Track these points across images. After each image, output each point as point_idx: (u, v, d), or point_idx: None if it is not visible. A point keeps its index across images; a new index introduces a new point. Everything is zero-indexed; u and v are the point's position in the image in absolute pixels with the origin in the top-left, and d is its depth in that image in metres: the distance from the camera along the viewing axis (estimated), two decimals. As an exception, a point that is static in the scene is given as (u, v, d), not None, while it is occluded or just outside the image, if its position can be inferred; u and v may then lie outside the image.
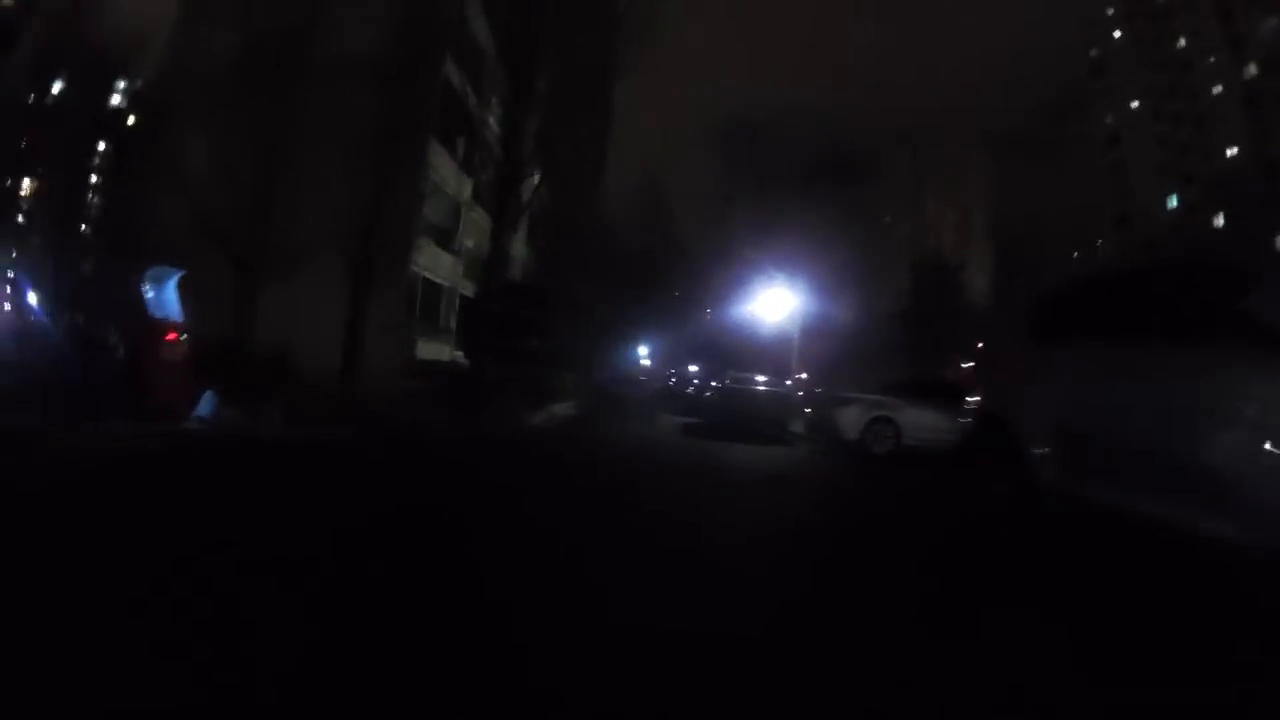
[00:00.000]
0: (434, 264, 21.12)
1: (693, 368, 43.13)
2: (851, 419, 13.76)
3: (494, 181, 18.69)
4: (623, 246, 45.24)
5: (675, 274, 51.99)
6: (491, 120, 19.13)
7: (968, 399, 15.08)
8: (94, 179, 47.90)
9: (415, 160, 19.73)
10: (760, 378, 18.88)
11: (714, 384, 19.75)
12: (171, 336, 10.66)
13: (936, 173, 69.23)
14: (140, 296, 10.49)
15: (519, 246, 31.23)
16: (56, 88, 50.87)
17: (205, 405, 10.50)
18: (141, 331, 10.46)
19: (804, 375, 24.18)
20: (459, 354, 21.22)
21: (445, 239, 21.74)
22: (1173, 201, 53.97)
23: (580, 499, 6.88)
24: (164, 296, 10.92)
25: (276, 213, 18.16)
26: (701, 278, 50.65)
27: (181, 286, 11.38)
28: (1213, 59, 53.13)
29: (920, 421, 13.70)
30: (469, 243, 24.69)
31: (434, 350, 20.27)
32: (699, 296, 48.72)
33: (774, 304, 29.87)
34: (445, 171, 21.57)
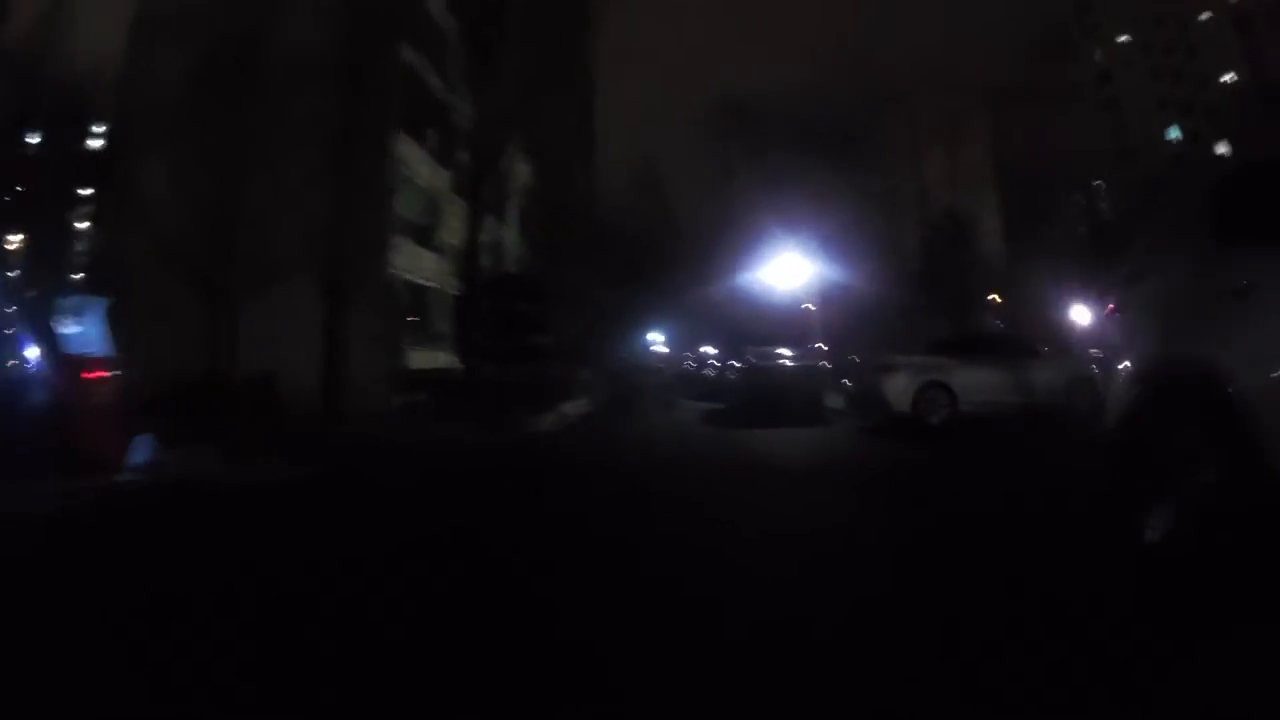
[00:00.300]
0: (415, 264, 19.43)
1: (708, 349, 41.41)
2: (900, 387, 11.90)
3: (469, 165, 17.00)
4: (622, 230, 43.53)
5: (679, 254, 50.22)
6: (461, 104, 17.45)
7: (1034, 352, 13.37)
8: (79, 225, 47.41)
9: (380, 155, 18.11)
10: (784, 351, 17.13)
11: (734, 364, 18.00)
12: (96, 375, 9.05)
13: (934, 129, 67.06)
14: (52, 333, 8.98)
15: (511, 237, 29.51)
16: (34, 138, 50.19)
17: (141, 451, 8.88)
18: (61, 372, 8.98)
19: (823, 345, 22.40)
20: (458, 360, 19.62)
21: (424, 236, 20.01)
22: (1174, 132, 52.97)
23: (580, 547, 4.92)
24: (87, 330, 9.30)
25: (244, 231, 16.94)
26: (707, 255, 48.78)
27: (113, 316, 9.74)
28: None
29: (978, 384, 11.92)
30: (453, 239, 22.99)
31: (428, 358, 18.64)
32: (707, 274, 46.82)
33: (786, 271, 28.03)
34: (416, 164, 19.85)
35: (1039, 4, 65.41)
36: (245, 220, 16.84)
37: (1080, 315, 42.81)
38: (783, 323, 31.84)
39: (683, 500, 6.55)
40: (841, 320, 33.34)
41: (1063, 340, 20.81)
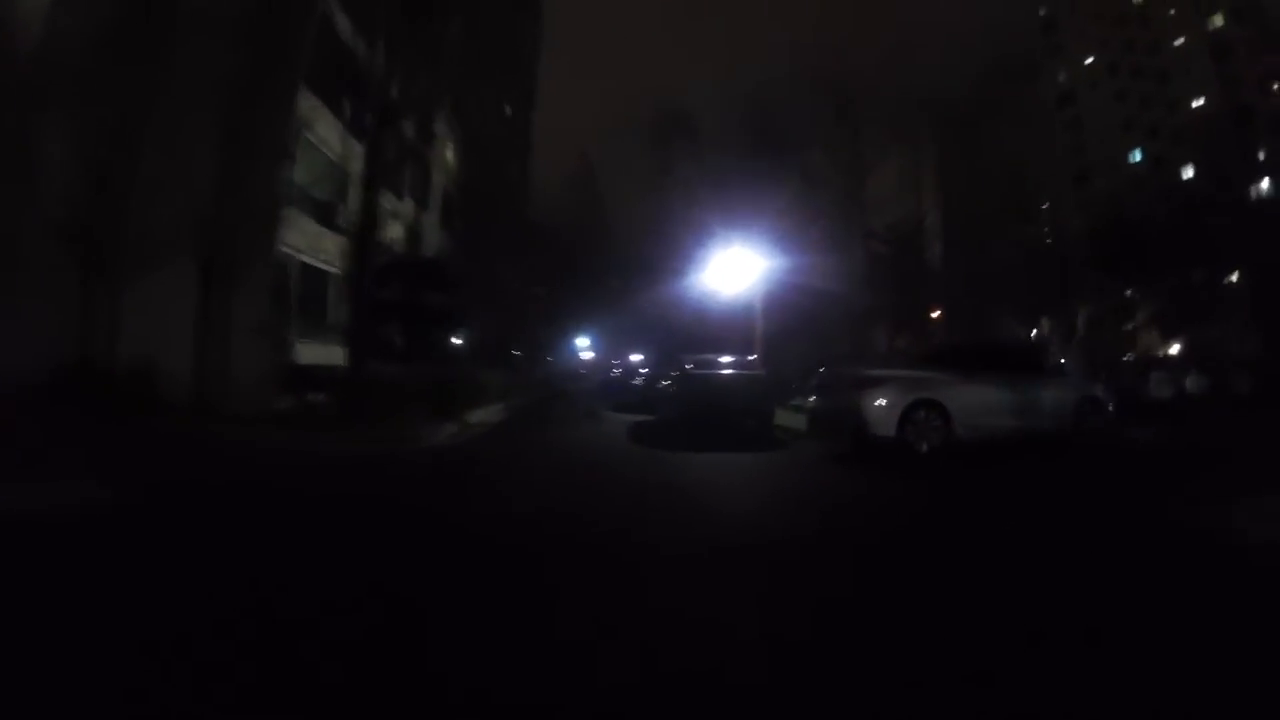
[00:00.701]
0: (314, 245, 16.79)
1: (636, 357, 39.64)
2: (884, 406, 10.01)
3: (372, 121, 14.70)
4: (554, 229, 41.50)
5: (613, 257, 48.39)
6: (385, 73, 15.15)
7: (1037, 367, 11.85)
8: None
9: (280, 113, 15.67)
10: (725, 359, 15.35)
11: (670, 373, 16.11)
12: None
13: (882, 142, 67.32)
14: None
15: (432, 225, 27.10)
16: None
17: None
18: None
19: (758, 354, 20.61)
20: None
21: (329, 215, 17.45)
22: (1137, 155, 53.03)
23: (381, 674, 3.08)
24: None
25: (133, 201, 14.62)
26: (642, 258, 47.09)
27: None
28: (1173, 11, 53.22)
29: (976, 403, 10.23)
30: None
31: (321, 353, 16.12)
32: (641, 279, 45.17)
33: (729, 272, 26.38)
34: (326, 132, 17.30)
35: (995, 24, 66.07)
36: (136, 189, 14.61)
37: (1017, 337, 42.96)
38: (724, 328, 30.25)
39: (588, 575, 4.54)
40: (786, 326, 31.91)
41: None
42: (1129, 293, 41.26)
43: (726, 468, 9.59)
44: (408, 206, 24.54)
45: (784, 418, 14.84)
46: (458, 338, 24.76)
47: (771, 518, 6.62)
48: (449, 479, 8.81)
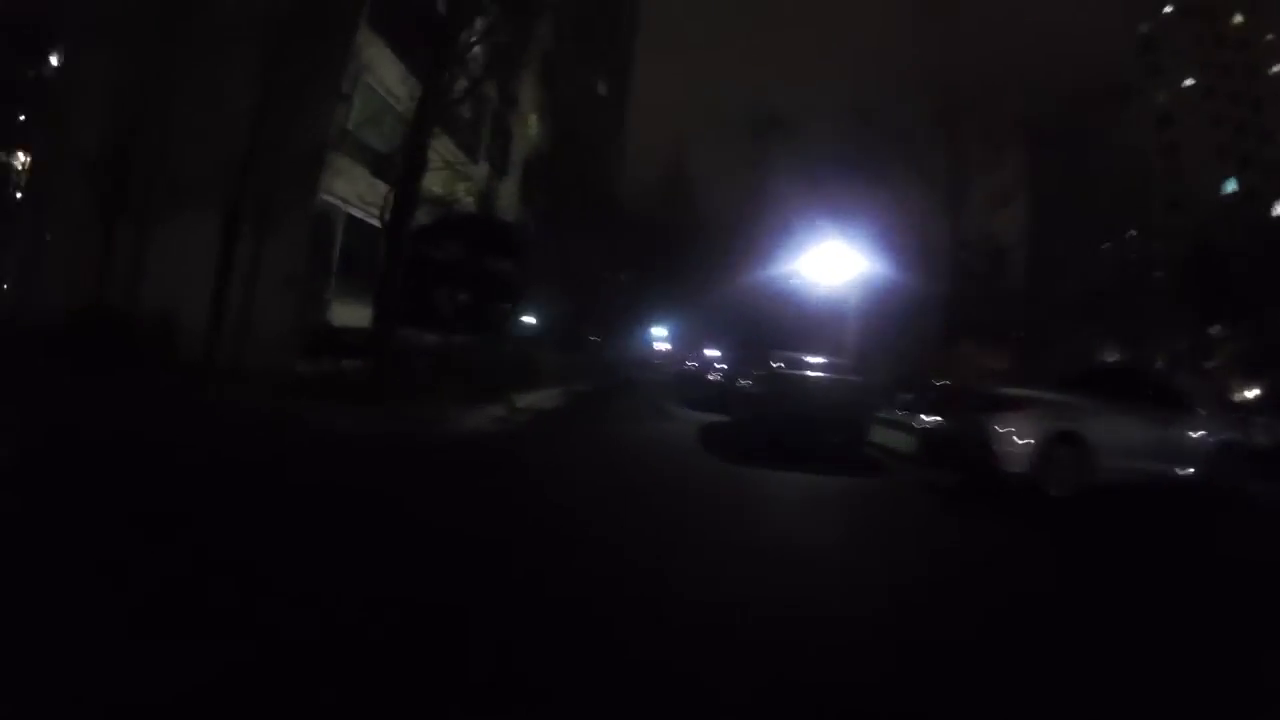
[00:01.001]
0: (365, 197, 14.80)
1: (711, 352, 37.30)
2: (1020, 437, 7.57)
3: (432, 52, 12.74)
4: (642, 215, 39.40)
5: (700, 247, 45.83)
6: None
7: (1180, 402, 9.35)
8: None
9: (339, 55, 13.99)
10: (817, 360, 13.00)
11: (755, 372, 13.72)
12: None
13: (973, 157, 63.24)
14: None
15: (509, 194, 25.27)
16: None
17: None
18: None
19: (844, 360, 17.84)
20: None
21: (385, 167, 15.57)
22: (1230, 185, 49.56)
23: None
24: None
25: (164, 137, 13.53)
26: (731, 250, 44.42)
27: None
28: (1270, 36, 50.41)
29: (1123, 439, 7.87)
30: (434, 186, 18.57)
31: (362, 315, 14.29)
32: (728, 271, 42.67)
33: (817, 275, 23.90)
34: (389, 78, 15.51)
35: (1099, 39, 61.89)
36: (171, 126, 13.44)
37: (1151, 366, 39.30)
38: (811, 329, 27.69)
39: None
40: (876, 333, 29.15)
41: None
42: (1214, 329, 37.69)
43: (815, 496, 7.37)
44: (482, 170, 22.78)
45: (881, 434, 12.37)
46: (527, 313, 23.04)
47: (886, 578, 4.45)
48: (462, 478, 6.83)
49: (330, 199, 14.18)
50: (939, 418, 9.48)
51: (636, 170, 45.20)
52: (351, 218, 14.93)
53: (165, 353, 12.76)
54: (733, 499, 6.79)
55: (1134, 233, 49.16)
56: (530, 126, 28.62)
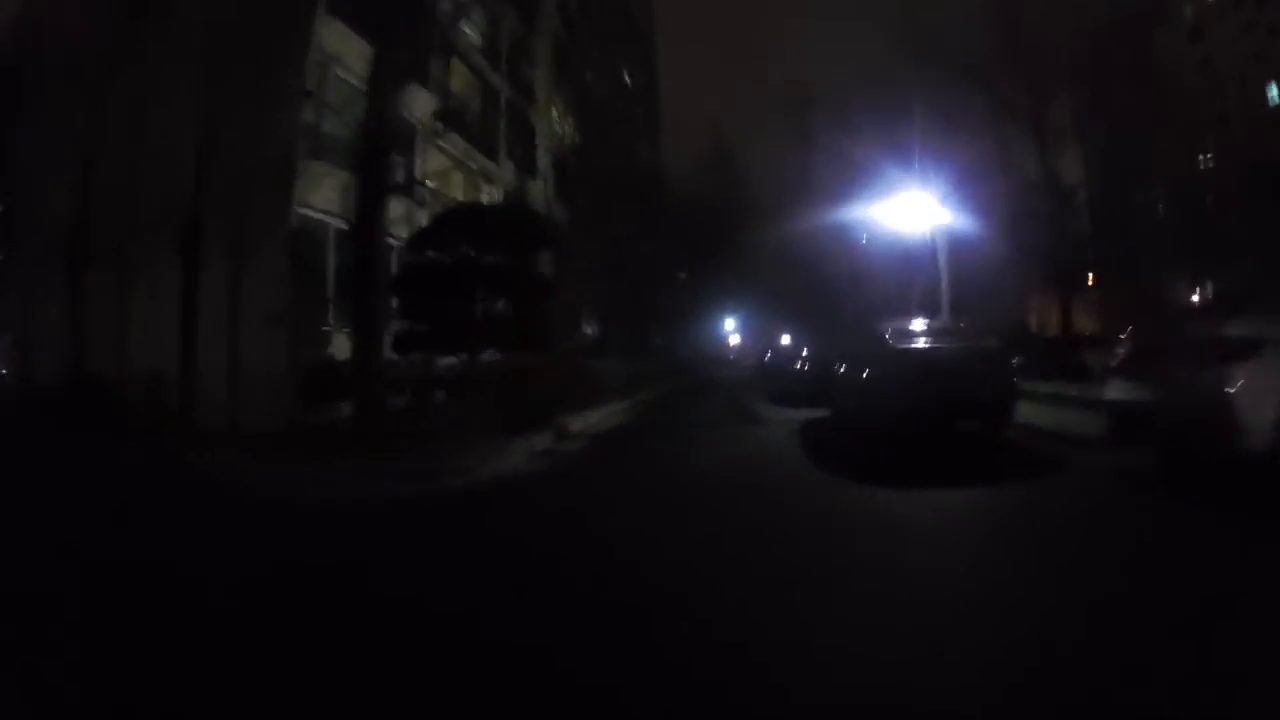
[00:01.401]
0: (353, 206, 12.58)
1: (785, 340, 34.38)
2: (1266, 396, 4.78)
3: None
4: (694, 210, 36.75)
5: (754, 230, 42.93)
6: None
7: None
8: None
9: (298, 45, 11.79)
10: (932, 326, 10.03)
11: (848, 353, 10.72)
12: None
13: (1015, 107, 59.71)
14: None
15: (539, 193, 22.77)
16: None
17: None
18: None
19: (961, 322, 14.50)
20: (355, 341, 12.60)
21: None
22: (1272, 92, 44.79)
23: None
24: None
25: (112, 179, 12.04)
26: (788, 233, 41.41)
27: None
28: None
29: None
30: (433, 183, 16.19)
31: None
32: (787, 253, 39.75)
33: (897, 223, 20.93)
34: (363, 66, 12.77)
35: None
36: (133, 171, 11.81)
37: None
38: (897, 294, 24.71)
39: None
40: (963, 291, 25.73)
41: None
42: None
43: (986, 521, 4.76)
44: (507, 171, 20.44)
45: (1029, 413, 9.30)
46: (582, 322, 20.82)
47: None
48: (467, 567, 4.35)
49: (311, 213, 11.87)
50: (1140, 383, 6.64)
51: (678, 165, 42.54)
52: (342, 232, 12.48)
53: (155, 414, 11.08)
54: (875, 551, 4.18)
55: (1206, 155, 45.21)
56: (554, 122, 26.25)
